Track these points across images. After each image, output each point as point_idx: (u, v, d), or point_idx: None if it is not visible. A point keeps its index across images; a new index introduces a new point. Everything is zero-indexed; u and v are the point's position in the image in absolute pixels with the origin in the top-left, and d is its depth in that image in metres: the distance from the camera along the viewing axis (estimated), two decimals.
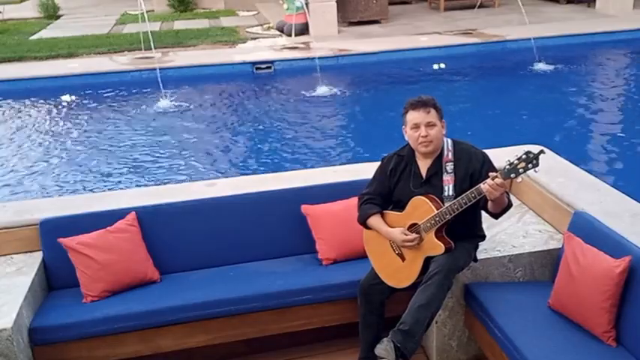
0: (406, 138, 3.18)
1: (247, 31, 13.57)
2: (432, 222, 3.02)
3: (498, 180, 2.84)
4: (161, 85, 9.63)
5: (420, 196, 3.09)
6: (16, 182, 6.90)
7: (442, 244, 3.02)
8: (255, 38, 12.88)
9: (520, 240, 3.51)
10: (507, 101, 9.16)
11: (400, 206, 3.19)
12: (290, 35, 12.38)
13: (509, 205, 3.10)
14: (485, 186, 2.86)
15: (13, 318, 3.00)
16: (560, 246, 3.24)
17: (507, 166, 2.85)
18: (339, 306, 3.46)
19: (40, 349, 3.22)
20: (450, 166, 3.10)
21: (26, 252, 3.64)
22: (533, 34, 10.74)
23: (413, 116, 3.09)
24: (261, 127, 8.35)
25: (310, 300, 3.43)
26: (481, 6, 14.62)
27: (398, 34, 12.46)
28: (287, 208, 3.76)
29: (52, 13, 16.93)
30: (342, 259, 3.62)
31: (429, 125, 3.07)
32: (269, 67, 10.75)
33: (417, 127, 3.08)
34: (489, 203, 2.99)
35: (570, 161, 4.13)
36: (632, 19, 12.41)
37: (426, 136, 3.07)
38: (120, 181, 6.77)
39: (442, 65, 10.37)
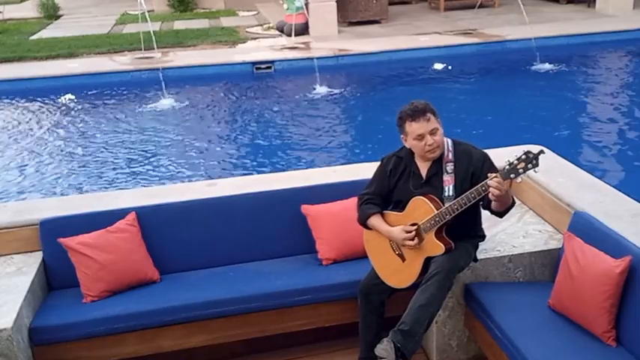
0: (407, 146, 3.17)
1: (247, 31, 13.57)
2: (432, 222, 3.02)
3: (498, 179, 2.83)
4: (161, 85, 9.64)
5: (419, 197, 3.08)
6: (16, 182, 6.90)
7: (442, 245, 3.02)
8: (255, 38, 12.88)
9: (520, 240, 3.50)
10: (507, 101, 9.17)
11: (400, 206, 3.19)
12: (290, 35, 12.37)
13: (513, 203, 3.10)
14: (492, 189, 2.83)
15: (13, 318, 3.00)
16: (560, 246, 3.24)
17: (507, 167, 2.85)
18: (339, 306, 3.45)
19: (40, 349, 3.21)
20: (450, 167, 3.09)
21: (26, 252, 3.64)
22: (533, 34, 10.74)
23: (414, 127, 3.06)
24: (261, 127, 8.35)
25: (310, 300, 3.42)
26: (481, 6, 14.60)
27: (398, 34, 12.46)
28: (287, 208, 3.75)
29: (52, 13, 16.92)
30: (342, 259, 3.62)
31: (433, 132, 3.06)
32: (269, 67, 10.75)
33: (421, 137, 3.06)
34: (493, 202, 2.97)
35: (570, 161, 4.13)
36: (632, 19, 12.42)
37: (432, 144, 3.07)
38: (120, 181, 6.77)
39: (438, 68, 10.36)
